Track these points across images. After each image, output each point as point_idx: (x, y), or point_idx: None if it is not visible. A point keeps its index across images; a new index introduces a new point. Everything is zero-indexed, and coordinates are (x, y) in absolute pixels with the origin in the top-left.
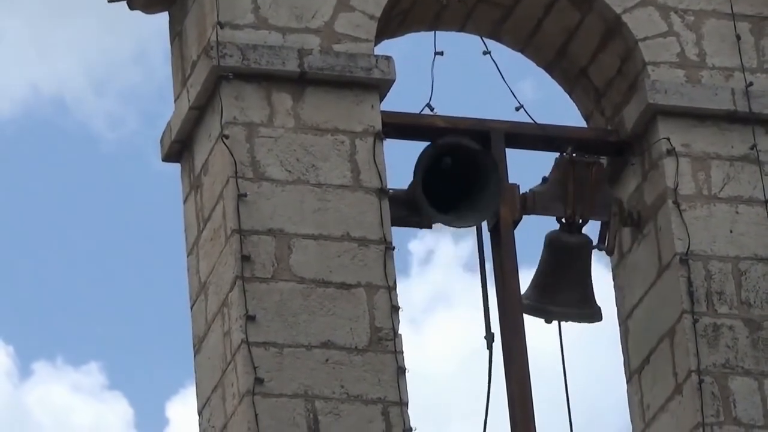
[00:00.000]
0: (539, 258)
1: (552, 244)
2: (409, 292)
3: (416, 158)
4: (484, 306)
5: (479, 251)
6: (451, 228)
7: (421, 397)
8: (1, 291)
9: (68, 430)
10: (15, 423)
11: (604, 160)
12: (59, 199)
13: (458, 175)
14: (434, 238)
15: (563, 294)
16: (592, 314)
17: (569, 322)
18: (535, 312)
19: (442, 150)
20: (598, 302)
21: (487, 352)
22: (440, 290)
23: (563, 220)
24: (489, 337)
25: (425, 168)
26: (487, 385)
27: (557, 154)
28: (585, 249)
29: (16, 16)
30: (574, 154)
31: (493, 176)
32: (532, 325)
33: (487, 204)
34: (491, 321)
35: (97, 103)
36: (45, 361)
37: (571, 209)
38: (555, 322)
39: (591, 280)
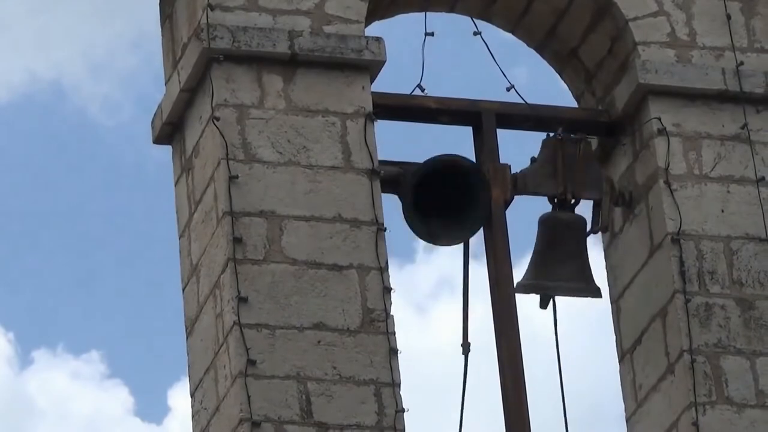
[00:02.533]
0: (535, 240)
1: (546, 222)
2: (415, 278)
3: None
4: (463, 316)
5: (464, 268)
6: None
7: (426, 379)
8: (2, 279)
9: (68, 418)
10: (15, 410)
11: (594, 140)
12: (57, 186)
13: (444, 191)
14: None
15: (558, 269)
16: (590, 289)
17: (566, 300)
18: (530, 289)
19: (435, 167)
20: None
21: (464, 358)
22: (445, 276)
23: (555, 200)
24: (465, 346)
25: (419, 185)
26: (462, 391)
27: (548, 134)
28: (579, 226)
29: (14, 2)
30: (561, 135)
31: (482, 194)
32: (524, 307)
33: (473, 222)
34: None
35: (95, 89)
36: (45, 348)
37: (562, 187)
38: (550, 307)
39: (587, 258)
